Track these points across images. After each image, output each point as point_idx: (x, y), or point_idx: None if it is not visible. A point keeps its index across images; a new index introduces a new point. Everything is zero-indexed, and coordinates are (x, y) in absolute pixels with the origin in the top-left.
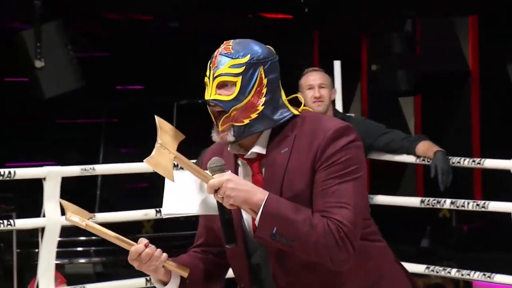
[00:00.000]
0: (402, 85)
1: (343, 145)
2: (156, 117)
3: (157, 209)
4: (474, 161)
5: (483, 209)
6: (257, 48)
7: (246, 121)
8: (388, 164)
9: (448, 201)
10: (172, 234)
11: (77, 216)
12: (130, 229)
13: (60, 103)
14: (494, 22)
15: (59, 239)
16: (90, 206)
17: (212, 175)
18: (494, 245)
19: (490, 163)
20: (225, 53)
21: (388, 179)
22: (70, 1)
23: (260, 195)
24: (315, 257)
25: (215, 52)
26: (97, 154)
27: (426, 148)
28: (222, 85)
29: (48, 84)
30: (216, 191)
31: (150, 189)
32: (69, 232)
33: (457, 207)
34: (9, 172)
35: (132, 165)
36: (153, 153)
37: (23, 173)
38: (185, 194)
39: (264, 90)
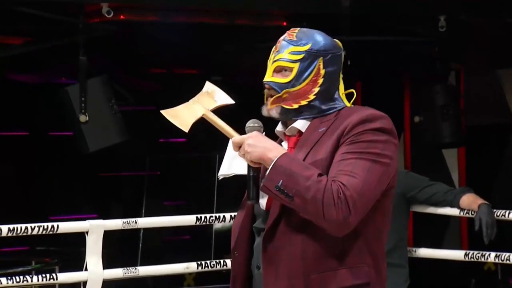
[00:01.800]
0: (445, 137)
1: (374, 127)
2: (207, 81)
3: (198, 262)
4: None
5: None
6: (321, 39)
7: (295, 106)
8: (432, 217)
9: (493, 254)
10: (214, 287)
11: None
12: (173, 282)
13: (103, 155)
14: None
15: None
16: (132, 258)
17: None
18: None
19: None
20: (288, 40)
21: (432, 232)
22: (115, 56)
23: (275, 152)
24: (311, 214)
25: (280, 38)
26: (140, 206)
27: (471, 201)
28: (279, 70)
29: (92, 138)
30: (239, 148)
31: (192, 241)
32: (110, 286)
33: (502, 260)
34: (52, 226)
35: (174, 218)
36: (177, 106)
37: (66, 227)
38: (232, 157)
39: (320, 81)
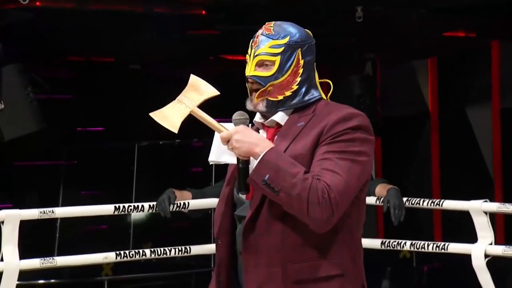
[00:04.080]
0: None
1: (352, 126)
2: (191, 75)
3: (117, 252)
4: (433, 202)
5: (442, 251)
6: (296, 31)
7: (280, 97)
8: None
9: (408, 242)
10: (132, 276)
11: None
12: (90, 271)
13: (18, 144)
14: (452, 64)
15: (18, 282)
16: (50, 249)
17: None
18: (454, 286)
19: (449, 204)
20: (266, 34)
21: None
22: (31, 44)
23: (262, 147)
24: (295, 210)
25: (257, 32)
26: (57, 196)
27: (382, 188)
28: (261, 64)
29: (8, 127)
30: (228, 142)
31: (109, 231)
32: (28, 277)
33: (417, 248)
34: None
35: (91, 208)
36: (164, 107)
37: None
38: (222, 145)
39: (300, 71)
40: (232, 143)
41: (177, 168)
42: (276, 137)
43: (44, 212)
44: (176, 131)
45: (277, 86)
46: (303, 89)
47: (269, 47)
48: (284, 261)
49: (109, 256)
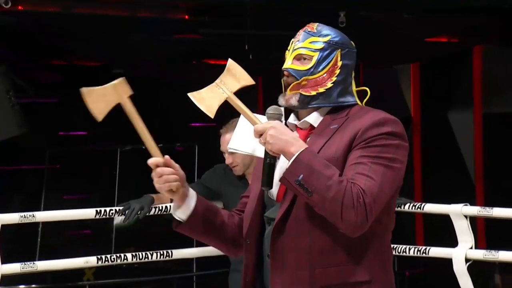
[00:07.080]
0: None
1: (386, 132)
2: (229, 59)
3: (98, 256)
4: (414, 205)
5: (424, 255)
6: (338, 34)
7: (313, 93)
8: None
9: None
10: (114, 281)
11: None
12: (72, 276)
13: (1, 148)
14: (435, 69)
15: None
16: (31, 253)
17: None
18: None
19: (430, 207)
20: (309, 31)
21: None
22: (14, 47)
23: (297, 147)
24: (328, 213)
25: (300, 30)
26: (39, 200)
27: None
28: (299, 58)
29: None
30: (261, 136)
31: (92, 236)
32: (9, 282)
33: (399, 252)
34: None
35: (72, 212)
36: (203, 89)
37: None
38: (249, 135)
39: (337, 72)
40: (266, 137)
41: None
42: (309, 139)
43: (25, 217)
44: (212, 115)
45: (312, 81)
46: (338, 90)
47: (309, 43)
48: (312, 265)
49: (90, 261)
